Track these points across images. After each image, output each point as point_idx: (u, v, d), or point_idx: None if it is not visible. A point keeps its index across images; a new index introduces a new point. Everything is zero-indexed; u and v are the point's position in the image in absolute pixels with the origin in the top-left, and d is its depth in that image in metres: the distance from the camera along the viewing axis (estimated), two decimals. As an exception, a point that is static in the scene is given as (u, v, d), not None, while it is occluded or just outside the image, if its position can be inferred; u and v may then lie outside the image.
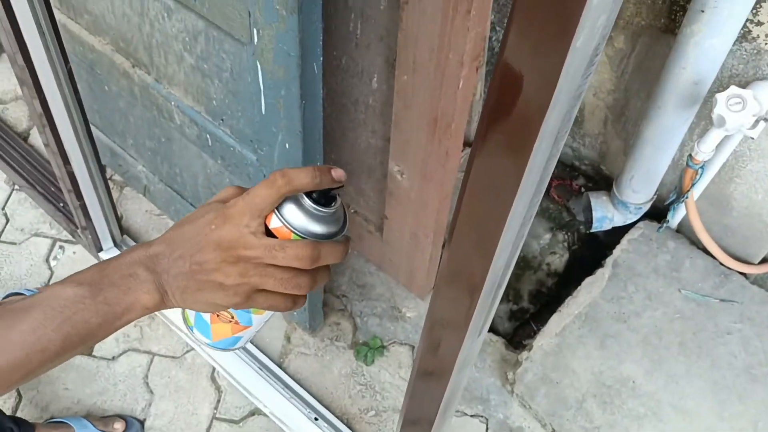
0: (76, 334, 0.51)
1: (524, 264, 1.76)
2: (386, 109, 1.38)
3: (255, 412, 1.57)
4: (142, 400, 1.59)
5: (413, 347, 1.65)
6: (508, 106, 0.41)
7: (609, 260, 1.63)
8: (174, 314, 1.65)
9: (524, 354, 1.54)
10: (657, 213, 1.70)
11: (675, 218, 1.61)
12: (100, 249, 1.71)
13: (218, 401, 1.59)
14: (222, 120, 1.33)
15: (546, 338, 1.55)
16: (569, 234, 1.75)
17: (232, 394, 1.59)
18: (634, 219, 1.63)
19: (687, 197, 1.40)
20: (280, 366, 1.61)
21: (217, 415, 1.57)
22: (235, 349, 0.61)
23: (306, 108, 1.22)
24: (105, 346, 1.65)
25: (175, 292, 0.52)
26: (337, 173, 0.51)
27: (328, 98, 1.45)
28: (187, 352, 1.64)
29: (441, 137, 1.31)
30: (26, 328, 0.51)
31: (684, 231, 1.67)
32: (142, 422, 1.56)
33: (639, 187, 1.51)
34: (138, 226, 1.82)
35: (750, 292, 1.57)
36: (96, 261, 1.74)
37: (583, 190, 1.80)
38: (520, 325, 1.79)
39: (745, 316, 1.54)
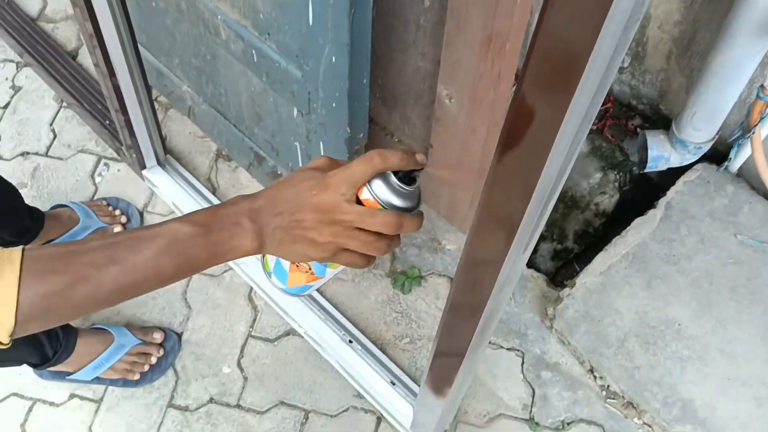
0: (186, 264, 0.60)
1: (572, 203, 1.71)
2: (438, 30, 1.33)
3: (290, 332, 1.57)
4: (180, 314, 1.61)
5: (451, 279, 1.62)
6: (560, 27, 0.40)
7: (662, 201, 1.56)
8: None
9: (566, 291, 1.50)
10: (715, 156, 1.62)
11: (737, 158, 1.53)
12: (144, 167, 1.72)
13: (254, 320, 1.59)
14: (268, 34, 1.29)
15: (590, 276, 1.50)
16: (621, 174, 1.68)
17: (268, 314, 1.59)
18: (692, 160, 1.55)
19: (754, 133, 1.32)
20: (316, 289, 1.60)
21: (253, 333, 1.58)
22: (304, 295, 0.72)
23: (354, 18, 1.18)
24: (146, 261, 1.67)
25: (272, 243, 0.61)
26: (421, 158, 0.60)
27: (377, 18, 1.40)
28: (226, 271, 1.65)
29: (494, 58, 1.26)
30: (149, 255, 0.58)
31: (744, 175, 1.58)
32: (179, 335, 1.58)
33: (701, 125, 1.43)
34: (181, 148, 1.82)
35: (811, 241, 1.49)
36: (140, 178, 1.75)
37: (638, 130, 1.72)
38: (563, 264, 1.74)
39: (804, 265, 1.47)
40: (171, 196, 1.70)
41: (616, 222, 1.66)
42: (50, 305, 0.57)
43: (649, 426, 1.42)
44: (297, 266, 0.67)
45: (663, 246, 1.51)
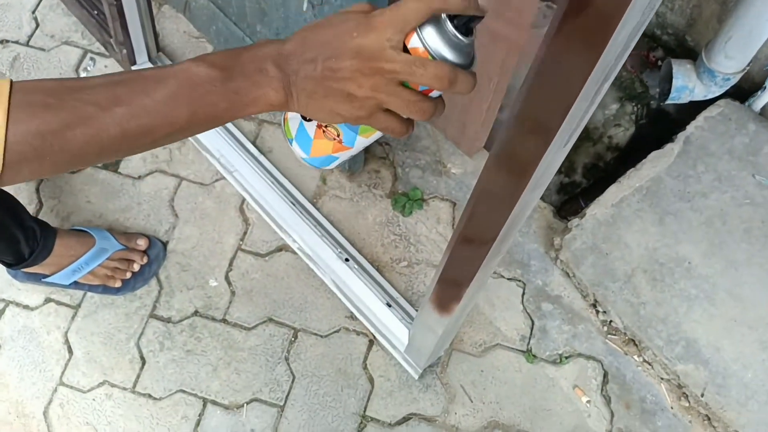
0: (202, 113, 0.51)
1: (584, 134, 1.63)
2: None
3: (282, 248, 1.50)
4: (166, 222, 1.52)
5: (455, 204, 1.55)
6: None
7: (680, 136, 1.49)
8: (208, 140, 1.55)
9: (575, 221, 1.43)
10: (738, 94, 1.54)
11: (763, 96, 1.46)
12: (134, 63, 1.60)
13: (245, 233, 1.51)
14: None
15: (601, 208, 1.43)
16: (638, 107, 1.60)
17: (261, 227, 1.51)
18: (717, 93, 1.48)
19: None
20: (313, 205, 1.52)
21: (243, 247, 1.50)
22: (328, 168, 0.62)
23: None
24: (131, 164, 1.57)
25: (301, 95, 0.51)
26: (483, 1, 0.50)
27: None
28: (217, 180, 1.55)
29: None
30: (160, 98, 0.50)
31: (768, 114, 1.52)
32: (165, 244, 1.49)
33: (734, 52, 1.35)
34: (174, 47, 1.70)
35: (830, 187, 1.44)
36: (128, 76, 1.63)
37: (659, 63, 1.63)
38: (568, 199, 1.68)
39: (820, 210, 1.42)
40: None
41: (628, 158, 1.59)
42: (45, 146, 0.48)
43: (649, 364, 1.38)
44: (324, 131, 0.58)
45: (678, 182, 1.45)
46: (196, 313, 1.45)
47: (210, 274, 1.48)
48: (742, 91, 1.55)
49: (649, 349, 1.35)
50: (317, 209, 1.52)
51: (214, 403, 1.37)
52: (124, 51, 1.57)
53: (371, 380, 1.39)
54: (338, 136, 0.58)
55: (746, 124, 1.49)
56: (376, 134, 0.58)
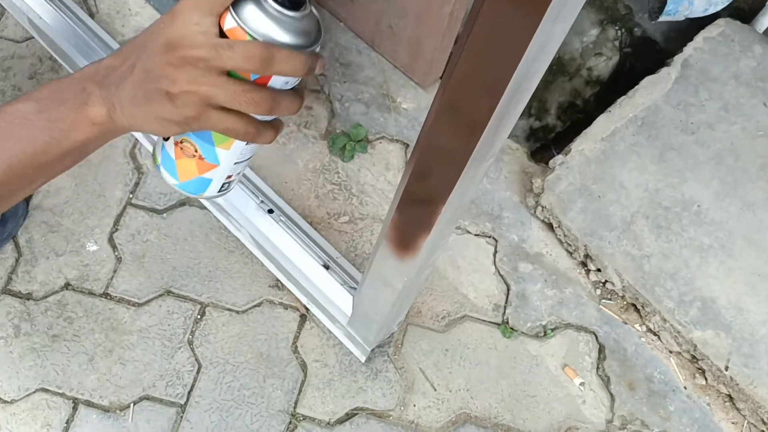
0: (21, 152, 0.47)
1: (557, 67, 1.36)
2: None
3: (185, 201, 1.15)
4: (30, 170, 1.15)
5: (407, 146, 1.24)
6: None
7: (677, 58, 1.23)
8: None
9: (558, 159, 1.15)
10: (741, 14, 1.31)
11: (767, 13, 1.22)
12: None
13: (137, 184, 1.16)
14: None
15: (589, 142, 1.16)
16: (623, 31, 1.34)
17: (157, 176, 1.16)
18: (720, 6, 1.23)
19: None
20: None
21: (134, 201, 1.15)
22: (206, 196, 0.55)
23: None
24: (-16, 98, 1.20)
25: (124, 105, 0.46)
26: None
27: None
28: (100, 118, 1.20)
29: None
30: None
31: (775, 35, 1.28)
32: (26, 200, 1.13)
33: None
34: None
35: None
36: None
37: (642, -16, 1.38)
38: (539, 148, 1.40)
39: (843, 145, 1.18)
40: (27, 9, 1.22)
41: (612, 93, 1.33)
42: None
43: (655, 334, 1.10)
44: (181, 148, 0.51)
45: (679, 111, 1.19)
46: (67, 286, 1.08)
47: (88, 235, 1.12)
48: (741, 12, 1.32)
49: (655, 314, 1.07)
50: (231, 151, 1.18)
51: (89, 404, 1.01)
52: None
53: (303, 367, 1.06)
54: (196, 151, 0.51)
55: (751, 45, 1.25)
56: (236, 143, 0.50)
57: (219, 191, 0.54)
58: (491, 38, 0.50)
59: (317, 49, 0.46)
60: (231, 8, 0.43)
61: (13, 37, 1.27)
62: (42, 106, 0.46)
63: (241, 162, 0.52)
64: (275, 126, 0.48)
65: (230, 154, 0.51)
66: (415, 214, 0.70)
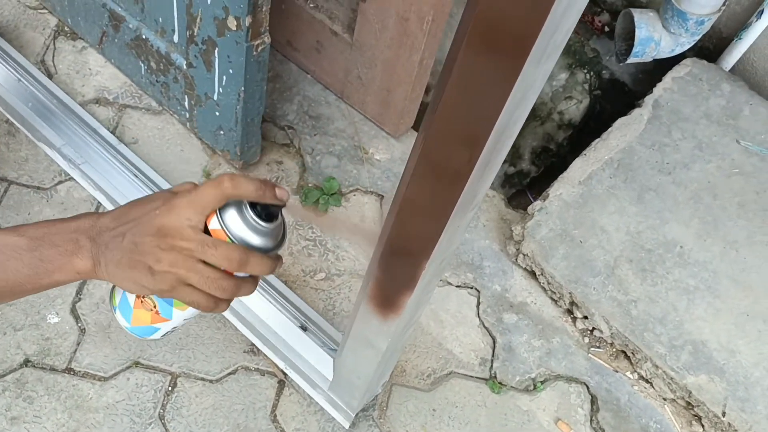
0: (4, 279, 0.53)
1: (529, 112, 1.35)
2: None
3: (153, 265, 1.10)
4: (-15, 240, 1.08)
5: (381, 197, 1.21)
6: None
7: (648, 99, 1.23)
8: (47, 130, 1.15)
9: (537, 204, 1.12)
10: (706, 54, 1.32)
11: (733, 52, 1.24)
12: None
13: (100, 249, 1.10)
14: None
15: (566, 186, 1.14)
16: (591, 74, 1.35)
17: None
18: (686, 46, 1.24)
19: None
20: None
21: (97, 267, 1.09)
22: (151, 339, 0.64)
23: None
24: (-64, 166, 1.14)
25: (109, 264, 0.53)
26: (281, 192, 0.53)
27: None
28: (60, 183, 1.15)
29: None
30: None
31: (741, 73, 1.30)
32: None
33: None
34: (6, 21, 1.30)
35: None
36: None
37: (606, 28, 1.40)
38: (515, 193, 1.38)
39: (817, 178, 1.18)
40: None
41: (584, 137, 1.32)
42: None
43: (648, 381, 1.07)
44: (142, 301, 0.58)
45: (654, 152, 1.18)
46: (26, 362, 1.01)
47: (48, 306, 1.06)
48: (706, 52, 1.33)
49: (647, 360, 1.03)
50: (200, 210, 1.14)
51: (51, 492, 0.93)
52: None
53: (284, 437, 1.00)
54: (155, 307, 0.58)
55: (719, 84, 1.26)
56: (191, 309, 0.57)
57: (162, 336, 0.61)
58: (470, 86, 0.47)
59: (280, 250, 0.54)
60: (218, 212, 0.51)
61: (-32, 101, 1.22)
62: (34, 244, 0.53)
63: (190, 318, 0.59)
64: (228, 301, 0.55)
65: (184, 313, 0.58)
66: (397, 270, 0.67)
